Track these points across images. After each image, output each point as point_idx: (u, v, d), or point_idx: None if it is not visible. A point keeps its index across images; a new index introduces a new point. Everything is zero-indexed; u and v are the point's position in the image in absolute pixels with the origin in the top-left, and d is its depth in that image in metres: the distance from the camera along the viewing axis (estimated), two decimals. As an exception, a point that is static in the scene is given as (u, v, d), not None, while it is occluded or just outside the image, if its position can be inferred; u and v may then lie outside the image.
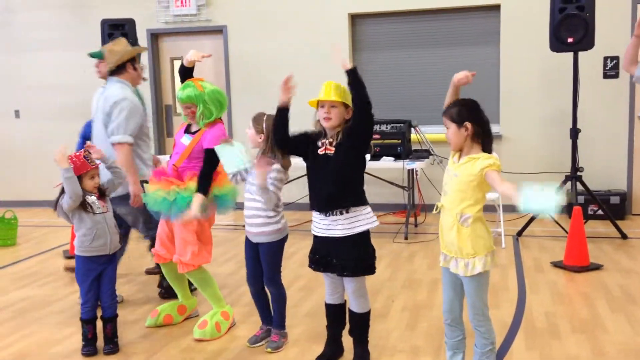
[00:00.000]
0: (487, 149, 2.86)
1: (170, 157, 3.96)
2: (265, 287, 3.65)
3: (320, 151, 3.22)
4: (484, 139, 2.85)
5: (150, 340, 3.85)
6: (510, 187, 2.65)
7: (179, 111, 8.22)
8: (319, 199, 3.26)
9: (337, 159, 3.18)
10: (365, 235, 3.23)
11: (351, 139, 3.14)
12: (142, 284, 5.02)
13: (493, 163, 2.77)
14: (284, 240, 3.60)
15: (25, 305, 4.55)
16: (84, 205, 3.57)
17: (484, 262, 2.84)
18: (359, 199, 3.23)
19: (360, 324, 3.38)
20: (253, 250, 3.61)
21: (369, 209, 3.26)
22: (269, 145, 3.44)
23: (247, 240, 3.65)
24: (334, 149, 3.19)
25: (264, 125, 3.47)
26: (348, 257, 3.19)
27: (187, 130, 3.90)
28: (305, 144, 3.28)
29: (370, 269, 3.26)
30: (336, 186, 3.19)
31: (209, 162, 3.76)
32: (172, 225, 3.87)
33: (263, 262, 3.58)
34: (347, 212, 3.18)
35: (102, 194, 3.69)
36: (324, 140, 3.23)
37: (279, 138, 3.29)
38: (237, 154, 3.56)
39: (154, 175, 3.90)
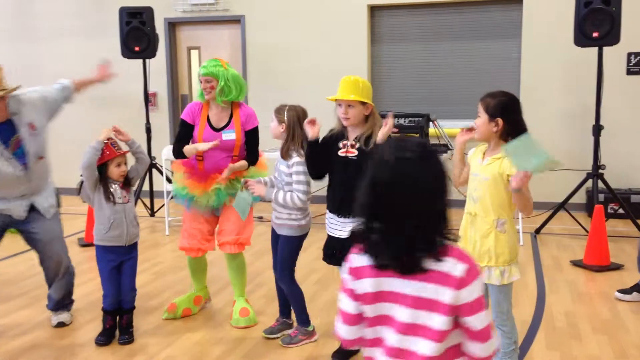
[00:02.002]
0: None
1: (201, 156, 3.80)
2: (278, 282, 3.61)
3: (341, 152, 3.15)
4: (513, 138, 2.70)
5: (165, 331, 3.83)
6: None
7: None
8: (333, 201, 3.23)
9: (358, 164, 3.09)
10: None
11: None
12: (157, 274, 5.00)
13: None
14: (303, 237, 3.55)
15: (42, 293, 4.53)
16: (105, 193, 3.54)
17: (518, 268, 2.78)
18: None
19: None
20: (277, 241, 3.58)
21: None
22: (291, 137, 3.42)
23: (273, 231, 3.63)
24: (356, 152, 3.11)
25: (285, 116, 3.43)
26: None
27: (213, 127, 3.79)
28: (327, 154, 3.22)
29: None
30: (353, 192, 3.12)
31: (253, 140, 3.86)
32: (223, 212, 3.87)
33: (279, 254, 3.54)
34: None
35: (127, 183, 3.65)
36: (345, 142, 3.16)
37: (315, 173, 3.28)
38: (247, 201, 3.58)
39: (195, 175, 3.84)
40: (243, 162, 3.80)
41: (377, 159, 1.59)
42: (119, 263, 3.62)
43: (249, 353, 3.52)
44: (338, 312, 1.67)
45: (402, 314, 1.56)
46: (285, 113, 3.44)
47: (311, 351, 3.52)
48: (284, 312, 3.75)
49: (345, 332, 1.64)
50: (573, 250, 5.50)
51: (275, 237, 3.60)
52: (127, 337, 3.66)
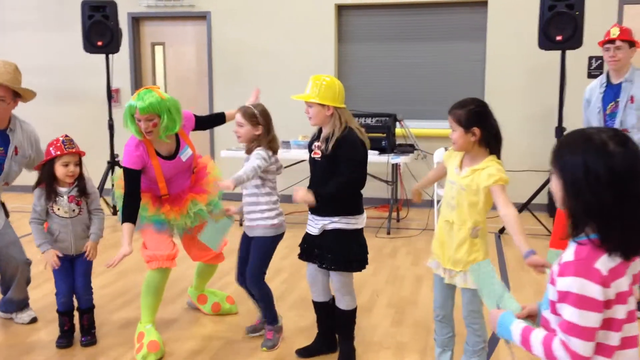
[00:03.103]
0: (493, 152, 2.73)
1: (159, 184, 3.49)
2: (247, 285, 3.51)
3: (313, 154, 3.16)
4: (490, 142, 2.71)
5: (129, 332, 3.73)
6: (519, 237, 2.57)
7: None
8: None
9: (322, 166, 3.11)
10: (349, 232, 3.14)
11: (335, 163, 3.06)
12: (120, 274, 4.89)
13: (499, 178, 2.64)
14: (278, 237, 3.47)
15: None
16: (48, 202, 3.35)
17: None
18: (347, 208, 3.12)
19: (345, 321, 3.31)
20: (248, 247, 3.49)
21: (356, 218, 3.15)
22: (265, 134, 3.36)
23: (244, 236, 3.54)
24: (320, 153, 3.11)
25: (257, 115, 3.36)
26: (328, 250, 3.14)
27: (167, 158, 3.47)
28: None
29: (351, 266, 3.17)
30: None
31: (204, 117, 3.80)
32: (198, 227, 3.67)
33: (251, 256, 3.45)
34: (330, 216, 3.12)
35: (81, 192, 3.43)
36: (316, 143, 3.16)
37: None
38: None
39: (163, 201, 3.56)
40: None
41: (599, 153, 1.53)
42: (70, 259, 3.50)
43: (218, 353, 3.47)
44: (574, 333, 1.54)
45: (632, 298, 1.61)
46: (256, 112, 3.37)
47: (279, 350, 3.48)
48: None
49: (588, 349, 1.54)
50: (536, 250, 5.56)
51: (246, 241, 3.51)
52: (89, 338, 3.57)
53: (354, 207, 3.16)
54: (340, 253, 3.12)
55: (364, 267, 3.23)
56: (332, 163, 3.06)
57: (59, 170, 3.33)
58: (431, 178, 3.18)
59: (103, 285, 4.54)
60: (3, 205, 3.88)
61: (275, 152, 3.42)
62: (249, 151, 3.41)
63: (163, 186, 3.48)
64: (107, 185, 6.87)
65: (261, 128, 3.36)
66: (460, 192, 2.73)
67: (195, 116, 3.68)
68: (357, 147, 3.10)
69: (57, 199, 3.37)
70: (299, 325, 3.81)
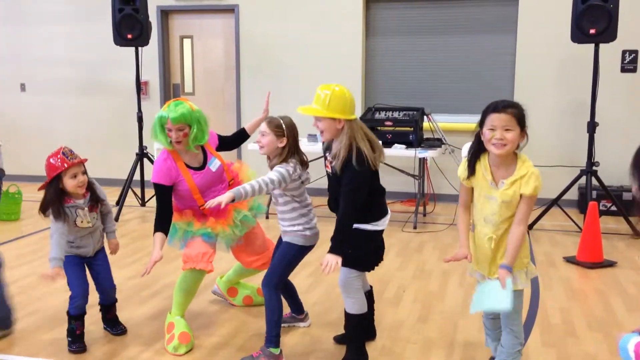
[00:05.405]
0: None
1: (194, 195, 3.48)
2: (261, 287, 3.33)
3: (325, 167, 3.14)
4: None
5: (157, 323, 3.77)
6: (512, 253, 2.59)
7: (186, 91, 8.16)
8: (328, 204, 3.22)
9: (332, 180, 3.07)
10: (367, 231, 3.06)
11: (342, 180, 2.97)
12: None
13: (535, 187, 2.55)
14: (306, 248, 3.26)
15: (31, 282, 4.47)
16: (64, 216, 3.20)
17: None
18: (366, 217, 3.03)
19: (348, 324, 3.19)
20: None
21: (376, 222, 3.07)
22: (293, 151, 3.19)
23: (279, 240, 3.42)
24: (330, 168, 3.06)
25: (282, 126, 3.17)
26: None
27: (197, 169, 3.49)
28: None
29: (359, 264, 3.07)
30: (334, 203, 3.10)
31: (231, 136, 3.92)
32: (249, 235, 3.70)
33: (275, 258, 3.32)
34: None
35: (97, 199, 3.35)
36: (328, 157, 3.10)
37: None
38: None
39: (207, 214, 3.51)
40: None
41: None
42: (87, 261, 3.45)
43: (245, 345, 3.47)
44: None
45: None
46: (283, 125, 3.17)
47: (306, 345, 3.47)
48: (293, 309, 3.69)
49: None
50: (565, 246, 5.50)
51: (279, 244, 3.40)
52: (122, 326, 3.62)
53: (374, 215, 3.08)
54: (352, 249, 3.00)
55: (371, 269, 3.16)
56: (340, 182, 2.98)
57: (69, 183, 3.19)
58: (467, 214, 2.81)
59: (130, 277, 4.59)
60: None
61: (304, 165, 3.22)
62: (272, 167, 3.20)
63: (199, 197, 3.47)
64: (136, 176, 6.94)
65: (285, 140, 3.16)
66: (502, 206, 2.60)
67: (219, 135, 3.77)
68: (359, 171, 2.92)
69: (77, 212, 3.27)
70: (325, 319, 3.81)
